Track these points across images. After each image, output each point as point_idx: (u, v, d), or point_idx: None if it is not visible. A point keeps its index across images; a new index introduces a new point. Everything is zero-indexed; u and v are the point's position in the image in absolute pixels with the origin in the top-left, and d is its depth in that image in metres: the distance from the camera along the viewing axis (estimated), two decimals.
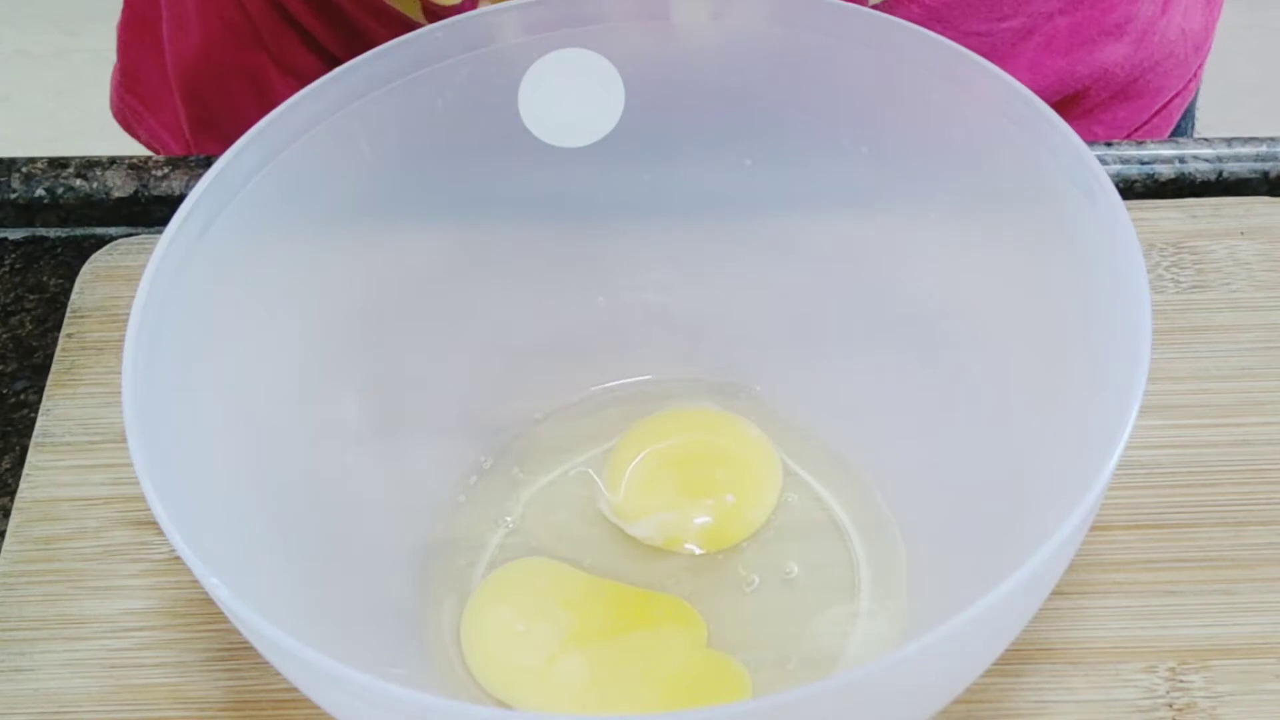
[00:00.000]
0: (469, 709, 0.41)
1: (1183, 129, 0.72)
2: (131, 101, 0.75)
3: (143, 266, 0.42)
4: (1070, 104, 0.65)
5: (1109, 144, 0.60)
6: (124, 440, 0.39)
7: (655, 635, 0.47)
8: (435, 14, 0.58)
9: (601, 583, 0.48)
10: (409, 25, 0.60)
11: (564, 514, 0.51)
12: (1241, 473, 0.51)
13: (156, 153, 0.75)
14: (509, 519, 0.50)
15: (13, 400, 0.55)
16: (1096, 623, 0.48)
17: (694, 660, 0.46)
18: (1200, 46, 0.68)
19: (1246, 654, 0.47)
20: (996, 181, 0.46)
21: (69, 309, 0.57)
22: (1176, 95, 0.68)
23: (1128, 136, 0.67)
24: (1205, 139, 0.60)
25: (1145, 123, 0.68)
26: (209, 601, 0.38)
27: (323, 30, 0.65)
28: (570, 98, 0.49)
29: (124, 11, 0.74)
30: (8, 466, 0.53)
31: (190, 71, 0.69)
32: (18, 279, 0.59)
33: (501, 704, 0.46)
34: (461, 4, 0.57)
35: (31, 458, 0.53)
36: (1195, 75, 0.69)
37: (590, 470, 0.51)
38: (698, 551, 0.49)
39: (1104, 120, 0.66)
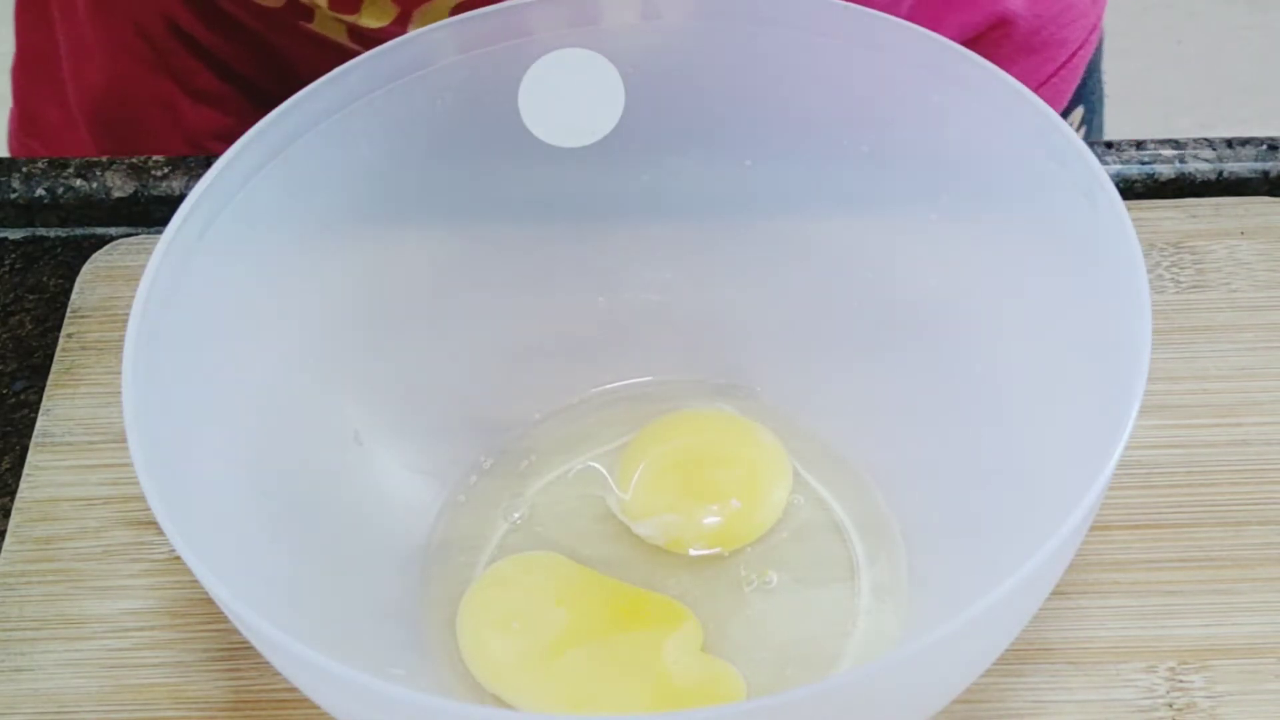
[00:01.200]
0: (469, 709, 0.41)
1: (1090, 87, 0.72)
2: (31, 144, 0.73)
3: (143, 266, 0.42)
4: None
5: (1109, 144, 0.60)
6: (124, 440, 0.39)
7: (650, 637, 0.47)
8: (362, 37, 0.58)
9: (599, 580, 0.48)
10: (331, 46, 0.59)
11: (566, 513, 0.51)
12: (1241, 473, 0.51)
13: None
14: (511, 518, 0.50)
15: (13, 400, 0.55)
16: (1096, 623, 0.48)
17: (686, 664, 0.46)
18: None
19: (1246, 654, 0.47)
20: (996, 181, 0.46)
21: (69, 309, 0.57)
22: (1080, 48, 0.69)
23: (1037, 89, 0.68)
24: (1205, 139, 0.60)
25: (1051, 75, 0.68)
26: (209, 601, 0.38)
27: (232, 53, 0.64)
28: (570, 98, 0.49)
29: (17, 53, 0.72)
30: (8, 466, 0.53)
31: (97, 104, 0.68)
32: (18, 279, 0.59)
33: (495, 697, 0.46)
34: (388, 26, 0.56)
35: (31, 458, 0.53)
36: (1095, 28, 0.70)
37: (600, 466, 0.51)
38: (700, 553, 0.49)
39: (1011, 73, 0.67)
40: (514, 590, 0.48)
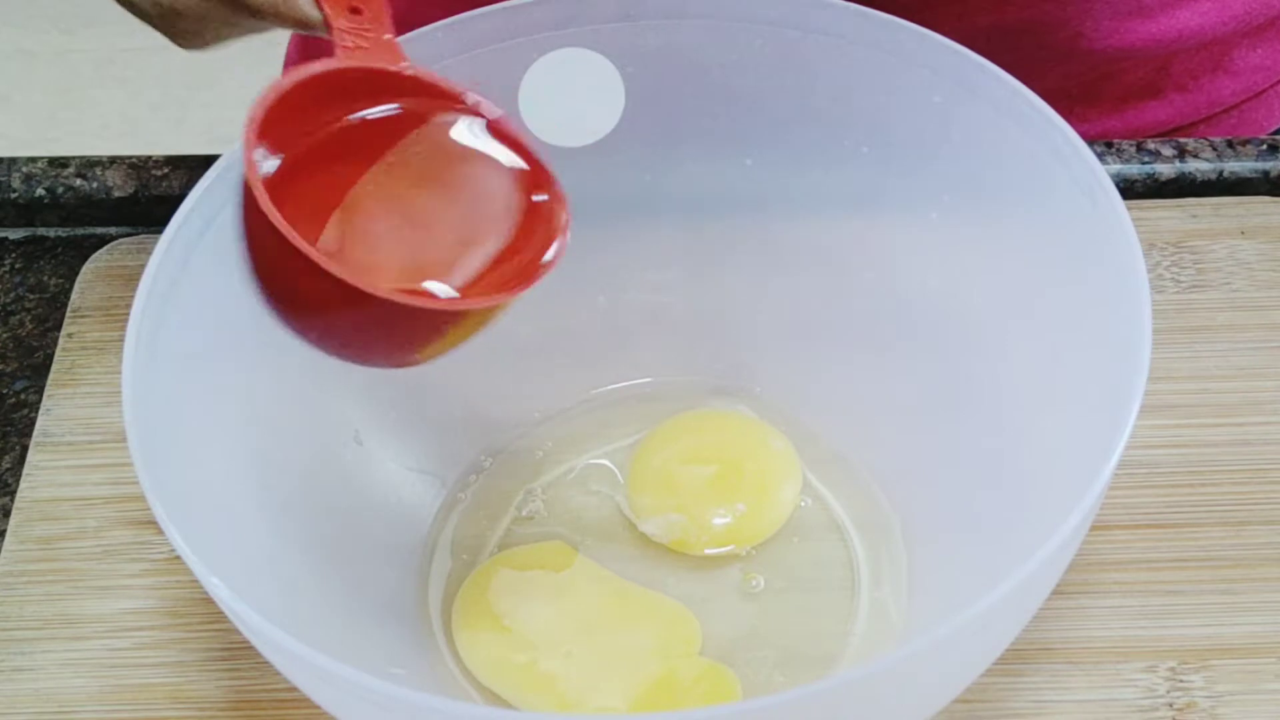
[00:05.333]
0: (469, 709, 0.41)
1: None
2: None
3: (143, 266, 0.42)
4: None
5: (1109, 144, 0.60)
6: (124, 440, 0.39)
7: (644, 635, 0.47)
8: None
9: (595, 573, 0.48)
10: None
11: (571, 511, 0.51)
12: (1241, 473, 0.51)
13: None
14: (523, 511, 0.50)
15: (13, 400, 0.55)
16: (1096, 623, 0.48)
17: (682, 665, 0.46)
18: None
19: (1246, 654, 0.47)
20: (996, 181, 0.46)
21: (69, 309, 0.57)
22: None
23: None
24: (1205, 139, 0.60)
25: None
26: (209, 601, 0.38)
27: None
28: (570, 98, 0.49)
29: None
30: (8, 466, 0.53)
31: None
32: (18, 279, 0.59)
33: (492, 692, 0.46)
34: None
35: (31, 458, 0.53)
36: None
37: (610, 463, 0.52)
38: (704, 553, 0.49)
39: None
40: (509, 585, 0.48)
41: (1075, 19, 0.59)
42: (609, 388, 0.53)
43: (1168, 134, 0.65)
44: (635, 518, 0.50)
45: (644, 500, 0.50)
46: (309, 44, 0.73)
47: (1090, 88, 0.63)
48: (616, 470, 0.51)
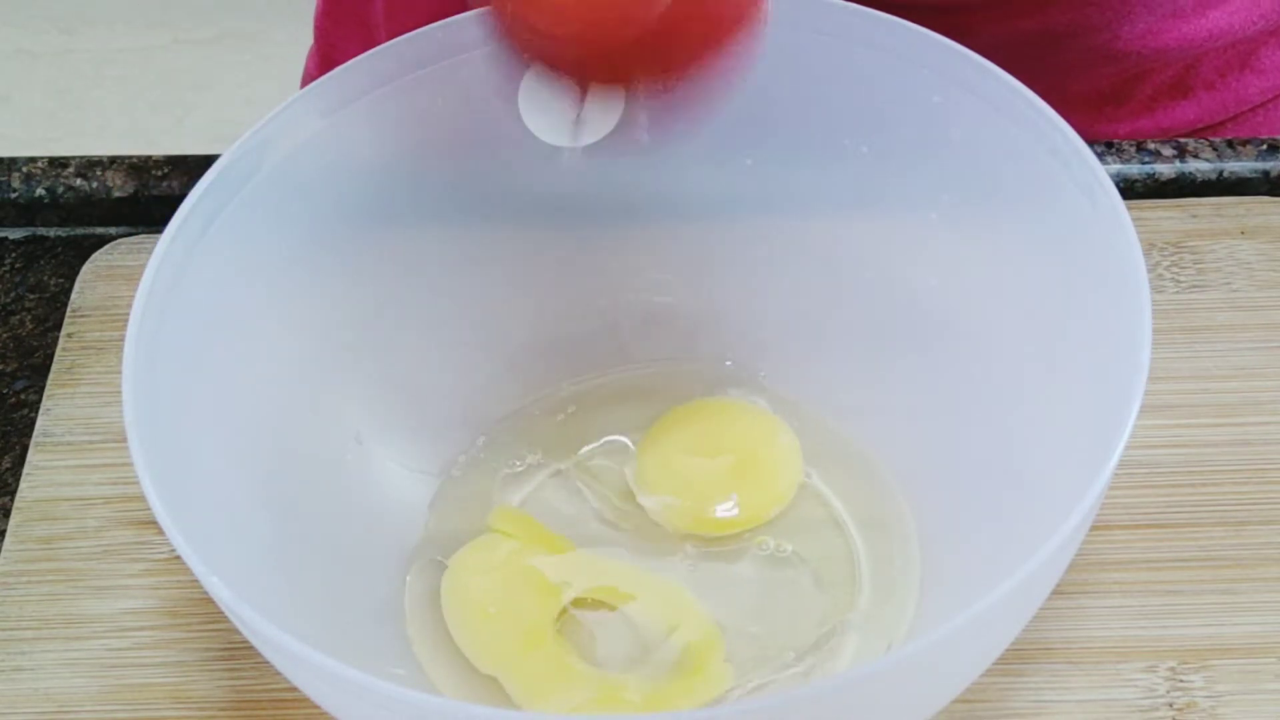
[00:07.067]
0: (469, 709, 0.41)
1: None
2: None
3: (143, 266, 0.42)
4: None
5: (1109, 144, 0.60)
6: (124, 440, 0.39)
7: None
8: None
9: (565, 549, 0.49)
10: None
11: (563, 506, 0.51)
12: (1241, 473, 0.51)
13: None
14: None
15: (13, 400, 0.55)
16: (1096, 623, 0.48)
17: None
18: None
19: (1246, 654, 0.47)
20: (996, 181, 0.46)
21: (69, 309, 0.57)
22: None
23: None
24: (1205, 139, 0.60)
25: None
26: (209, 601, 0.38)
27: None
28: (570, 98, 0.49)
29: (323, 1, 0.72)
30: (8, 466, 0.53)
31: None
32: (18, 279, 0.59)
33: (493, 678, 0.46)
34: None
35: (31, 458, 0.53)
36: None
37: (608, 461, 0.52)
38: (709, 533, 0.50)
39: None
40: (487, 570, 0.48)
41: (1114, 22, 0.60)
42: (609, 387, 0.53)
43: (1196, 134, 0.65)
44: (639, 492, 0.50)
45: (645, 480, 0.50)
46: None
47: (1121, 88, 0.63)
48: (615, 464, 0.51)
